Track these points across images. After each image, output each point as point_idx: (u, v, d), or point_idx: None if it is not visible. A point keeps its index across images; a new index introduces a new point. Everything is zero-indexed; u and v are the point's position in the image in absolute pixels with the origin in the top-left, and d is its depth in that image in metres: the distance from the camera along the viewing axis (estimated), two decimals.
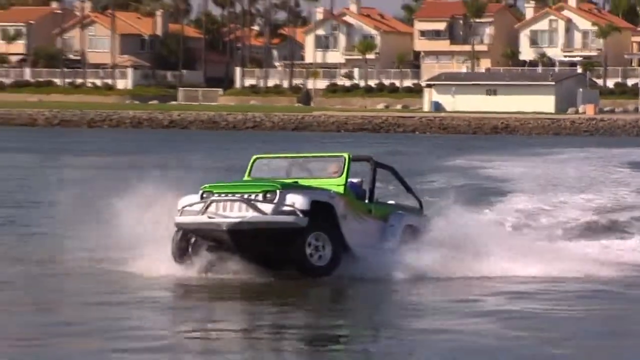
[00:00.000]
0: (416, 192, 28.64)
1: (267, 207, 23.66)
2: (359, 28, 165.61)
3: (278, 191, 23.83)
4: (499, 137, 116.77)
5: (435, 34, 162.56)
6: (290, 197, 23.73)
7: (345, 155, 25.73)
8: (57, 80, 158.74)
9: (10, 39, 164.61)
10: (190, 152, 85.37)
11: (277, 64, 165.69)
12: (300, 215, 23.63)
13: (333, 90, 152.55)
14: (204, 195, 24.37)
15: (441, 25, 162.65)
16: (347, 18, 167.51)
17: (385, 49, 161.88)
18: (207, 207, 23.98)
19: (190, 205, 24.37)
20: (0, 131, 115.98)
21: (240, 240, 23.97)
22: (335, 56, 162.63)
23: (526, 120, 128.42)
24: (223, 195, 24.44)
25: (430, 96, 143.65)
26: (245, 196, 24.18)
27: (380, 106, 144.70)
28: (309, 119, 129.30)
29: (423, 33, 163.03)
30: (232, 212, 23.93)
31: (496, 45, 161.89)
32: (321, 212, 24.34)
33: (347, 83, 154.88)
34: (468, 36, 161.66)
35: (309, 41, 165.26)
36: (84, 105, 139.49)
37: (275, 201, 23.66)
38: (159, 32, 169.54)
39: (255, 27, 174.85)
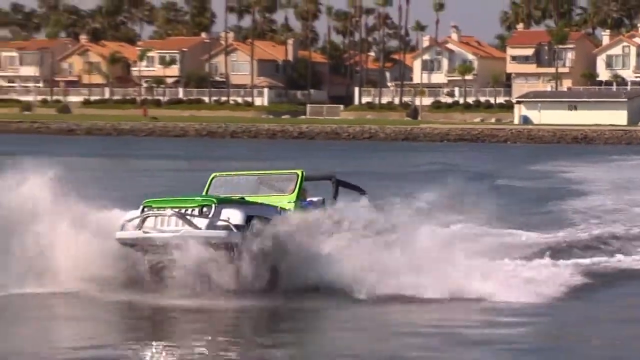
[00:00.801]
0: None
1: (202, 222, 21.23)
2: (459, 53, 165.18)
3: (214, 206, 21.30)
4: (578, 146, 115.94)
5: (525, 59, 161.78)
6: (226, 212, 21.21)
7: (299, 172, 23.22)
8: (206, 98, 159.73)
9: (167, 63, 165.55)
10: (319, 157, 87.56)
11: (389, 84, 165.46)
12: (234, 230, 21.10)
13: (437, 106, 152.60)
14: (145, 210, 21.87)
15: (529, 51, 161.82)
16: (449, 45, 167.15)
17: (481, 71, 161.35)
18: (143, 222, 21.56)
19: (130, 220, 21.90)
20: (158, 142, 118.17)
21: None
22: (439, 77, 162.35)
23: (602, 131, 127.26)
24: (161, 210, 21.77)
25: (520, 111, 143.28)
26: (183, 211, 21.52)
27: (477, 120, 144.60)
28: (416, 131, 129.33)
29: (514, 58, 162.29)
30: (168, 227, 21.39)
31: (576, 67, 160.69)
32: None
33: (449, 100, 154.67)
34: (552, 60, 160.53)
35: (417, 65, 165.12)
36: (228, 119, 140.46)
37: (210, 216, 21.21)
38: (290, 57, 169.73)
39: (371, 53, 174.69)
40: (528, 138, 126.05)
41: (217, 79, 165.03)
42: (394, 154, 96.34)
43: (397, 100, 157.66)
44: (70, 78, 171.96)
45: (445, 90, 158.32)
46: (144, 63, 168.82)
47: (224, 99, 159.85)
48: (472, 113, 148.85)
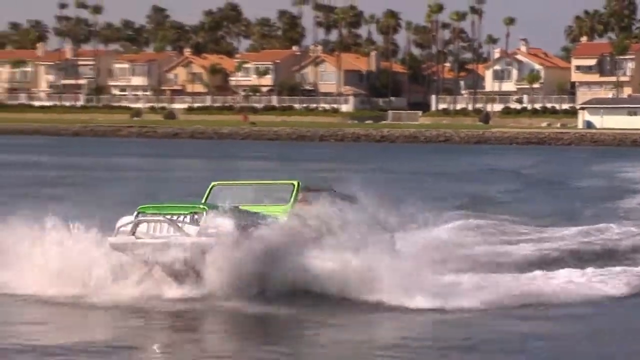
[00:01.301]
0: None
1: (193, 229, 19.78)
2: (528, 64, 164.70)
3: (204, 213, 19.86)
4: (638, 149, 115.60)
5: (588, 68, 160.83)
6: (217, 220, 19.73)
7: (295, 182, 21.60)
8: (296, 105, 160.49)
9: (261, 74, 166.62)
10: (399, 159, 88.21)
11: (463, 92, 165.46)
12: (223, 237, 19.64)
13: (507, 112, 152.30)
14: (139, 215, 20.37)
15: (592, 62, 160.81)
16: (518, 56, 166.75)
17: (548, 80, 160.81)
18: (136, 228, 20.08)
19: (125, 225, 20.43)
20: (254, 144, 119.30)
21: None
22: (508, 85, 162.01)
23: None
24: (153, 216, 20.29)
25: (583, 116, 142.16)
26: (175, 217, 20.09)
27: (544, 124, 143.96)
28: (488, 135, 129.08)
29: (578, 67, 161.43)
30: (159, 233, 19.97)
31: (636, 76, 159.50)
32: None
33: (518, 106, 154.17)
34: (614, 69, 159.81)
35: (488, 74, 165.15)
36: (316, 124, 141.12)
37: (201, 223, 19.75)
38: (373, 68, 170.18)
39: (447, 64, 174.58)
40: (591, 141, 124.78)
41: (307, 87, 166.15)
42: (464, 154, 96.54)
43: (470, 107, 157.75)
44: (175, 87, 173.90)
45: (515, 97, 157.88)
46: (241, 73, 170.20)
47: (313, 105, 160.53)
48: (539, 118, 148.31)
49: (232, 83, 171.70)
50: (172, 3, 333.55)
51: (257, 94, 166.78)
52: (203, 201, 21.71)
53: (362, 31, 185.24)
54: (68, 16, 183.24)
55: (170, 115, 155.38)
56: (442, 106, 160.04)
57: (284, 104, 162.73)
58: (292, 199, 21.48)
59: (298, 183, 21.73)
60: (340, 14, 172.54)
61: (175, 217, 20.18)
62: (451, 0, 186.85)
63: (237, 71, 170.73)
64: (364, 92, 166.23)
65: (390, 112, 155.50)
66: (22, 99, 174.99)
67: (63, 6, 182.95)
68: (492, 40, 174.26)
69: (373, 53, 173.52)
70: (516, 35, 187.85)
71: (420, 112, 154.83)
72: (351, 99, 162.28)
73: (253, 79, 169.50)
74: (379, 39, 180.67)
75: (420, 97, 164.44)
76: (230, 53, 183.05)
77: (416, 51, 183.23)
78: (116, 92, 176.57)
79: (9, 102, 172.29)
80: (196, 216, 20.09)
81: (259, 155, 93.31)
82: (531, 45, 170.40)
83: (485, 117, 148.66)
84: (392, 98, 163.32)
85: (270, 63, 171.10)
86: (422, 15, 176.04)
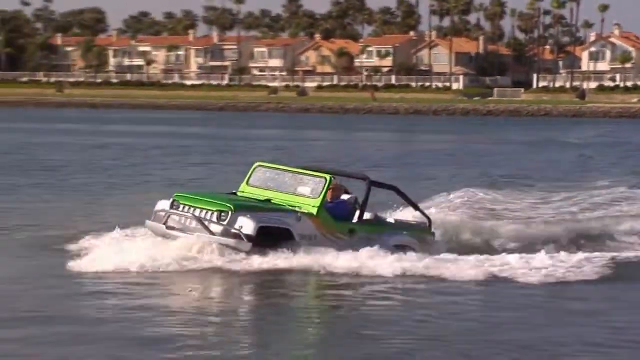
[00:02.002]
0: (423, 209, 20.99)
1: (217, 228, 18.08)
2: (620, 46, 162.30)
3: (230, 212, 18.04)
4: None
5: None
6: (240, 220, 17.93)
7: (327, 177, 18.89)
8: (413, 84, 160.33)
9: (382, 56, 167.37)
10: (506, 131, 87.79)
11: (561, 71, 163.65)
12: (245, 239, 17.91)
13: (601, 89, 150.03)
14: (173, 204, 18.84)
15: None
16: (612, 39, 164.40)
17: (639, 60, 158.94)
18: (167, 219, 18.68)
19: (161, 211, 19.10)
20: (375, 118, 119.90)
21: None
22: (602, 65, 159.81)
23: None
24: (183, 209, 18.66)
25: None
26: (203, 214, 18.33)
27: (635, 100, 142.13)
28: (584, 109, 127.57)
29: None
30: (187, 227, 18.44)
31: None
32: (278, 234, 18.34)
33: (611, 84, 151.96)
34: None
35: (585, 55, 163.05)
36: (430, 100, 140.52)
37: (225, 223, 17.98)
38: (481, 50, 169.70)
39: (547, 47, 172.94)
40: None
41: (422, 68, 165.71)
42: (562, 127, 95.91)
43: (567, 85, 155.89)
44: (306, 68, 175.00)
45: (608, 76, 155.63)
46: (364, 56, 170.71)
47: (427, 84, 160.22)
48: (630, 94, 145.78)
49: (357, 64, 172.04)
50: None
51: (378, 74, 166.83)
52: (244, 182, 19.78)
53: (472, 18, 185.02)
54: (215, 6, 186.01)
55: (302, 92, 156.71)
56: (542, 84, 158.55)
57: (402, 83, 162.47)
58: (321, 195, 18.72)
59: (330, 178, 18.90)
60: (452, 3, 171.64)
61: (203, 212, 18.26)
62: None
63: (361, 54, 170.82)
64: (473, 72, 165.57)
65: (495, 89, 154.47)
66: (176, 78, 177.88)
67: None
68: (588, 25, 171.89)
69: (481, 37, 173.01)
70: (610, 20, 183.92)
71: (522, 90, 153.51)
72: (461, 78, 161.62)
73: (375, 61, 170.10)
74: (486, 24, 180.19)
75: (523, 76, 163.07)
76: (355, 38, 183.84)
77: (520, 35, 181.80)
78: (256, 72, 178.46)
79: (164, 82, 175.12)
80: (222, 214, 18.08)
81: (382, 128, 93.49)
82: (624, 29, 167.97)
83: (582, 94, 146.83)
84: (498, 77, 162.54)
85: (390, 46, 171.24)
86: (525, 3, 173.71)
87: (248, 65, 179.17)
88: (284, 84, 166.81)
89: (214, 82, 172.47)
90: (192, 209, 18.51)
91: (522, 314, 16.00)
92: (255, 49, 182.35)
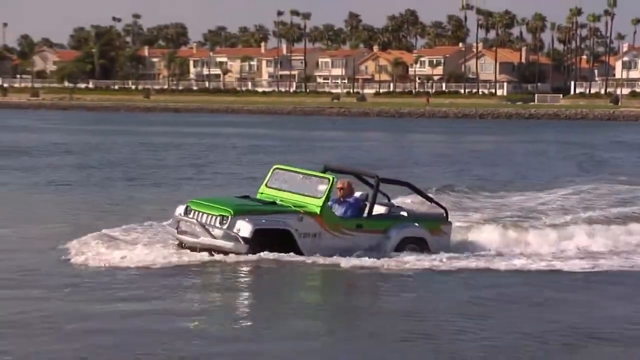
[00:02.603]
0: (439, 201, 20.19)
1: (219, 232, 17.49)
2: None
3: (230, 217, 17.41)
4: None
5: None
6: (238, 224, 17.31)
7: (330, 178, 18.10)
8: (461, 90, 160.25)
9: (434, 66, 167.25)
10: (543, 132, 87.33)
11: (597, 79, 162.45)
12: (242, 242, 17.27)
13: (633, 95, 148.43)
14: (187, 210, 18.25)
15: None
16: None
17: None
18: (178, 224, 18.26)
19: (177, 215, 18.50)
20: (427, 121, 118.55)
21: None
22: (635, 73, 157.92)
23: None
24: (193, 214, 18.01)
25: None
26: (208, 219, 17.69)
27: None
28: (617, 113, 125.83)
29: None
30: (194, 232, 17.91)
31: None
32: (278, 236, 17.56)
33: None
34: None
35: (618, 64, 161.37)
36: (477, 105, 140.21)
37: (226, 227, 17.36)
38: (523, 60, 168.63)
39: (584, 57, 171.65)
40: None
41: (470, 76, 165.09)
42: (593, 130, 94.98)
43: (602, 91, 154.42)
44: (365, 76, 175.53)
45: None
46: (418, 65, 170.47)
47: (474, 91, 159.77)
48: None
49: (411, 73, 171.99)
50: (364, 10, 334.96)
51: (430, 81, 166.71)
52: (263, 183, 19.01)
53: (515, 31, 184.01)
54: (284, 22, 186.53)
55: (362, 98, 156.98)
56: (579, 90, 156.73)
57: (452, 90, 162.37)
58: (325, 195, 17.89)
59: (333, 179, 18.05)
60: (497, 17, 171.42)
61: (208, 217, 17.63)
62: (588, 4, 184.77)
63: (415, 63, 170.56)
64: (516, 80, 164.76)
65: (536, 95, 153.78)
66: (249, 86, 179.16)
67: (280, 13, 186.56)
68: (621, 37, 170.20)
69: (523, 48, 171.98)
70: None
71: (561, 96, 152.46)
72: (505, 85, 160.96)
73: (427, 70, 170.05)
74: (528, 37, 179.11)
75: (562, 83, 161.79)
76: (409, 49, 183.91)
77: (558, 46, 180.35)
78: (320, 80, 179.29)
79: (239, 89, 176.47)
80: (223, 219, 17.40)
81: (435, 129, 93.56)
82: None
83: (615, 99, 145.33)
84: (538, 84, 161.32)
85: (441, 57, 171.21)
86: (564, 17, 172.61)
87: (313, 74, 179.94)
88: (345, 90, 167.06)
89: (283, 89, 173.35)
90: (199, 214, 17.85)
91: None
92: (320, 60, 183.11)
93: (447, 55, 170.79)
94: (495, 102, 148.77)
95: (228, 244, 17.42)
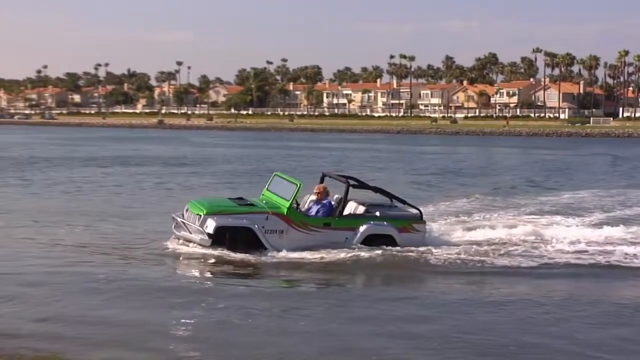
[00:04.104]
0: (410, 202, 17.32)
1: (195, 228, 15.96)
2: None
3: (202, 216, 15.90)
4: None
5: None
6: (207, 221, 15.78)
7: (298, 183, 16.25)
8: (531, 115, 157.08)
9: (510, 96, 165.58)
10: (595, 146, 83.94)
11: None
12: (206, 237, 15.71)
13: None
14: (185, 208, 16.87)
15: None
16: None
17: None
18: (175, 222, 16.74)
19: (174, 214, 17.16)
20: (505, 139, 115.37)
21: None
22: None
23: None
24: (184, 214, 16.66)
25: None
26: (193, 217, 16.18)
27: None
28: None
29: None
30: (181, 229, 16.47)
31: None
32: (239, 232, 15.76)
33: None
34: None
35: None
36: (544, 126, 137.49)
37: (198, 224, 15.88)
38: (581, 91, 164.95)
39: (630, 88, 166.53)
40: None
41: (538, 104, 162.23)
42: (609, 145, 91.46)
43: None
44: (457, 104, 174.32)
45: None
46: (498, 96, 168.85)
47: (542, 115, 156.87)
48: None
49: (492, 101, 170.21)
50: (457, 53, 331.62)
51: (507, 108, 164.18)
52: (266, 187, 17.19)
53: (574, 68, 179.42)
54: (395, 63, 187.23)
55: (454, 121, 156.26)
56: (626, 114, 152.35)
57: (524, 114, 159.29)
58: (292, 198, 16.12)
59: (300, 184, 16.28)
60: (560, 58, 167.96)
61: (193, 216, 16.16)
62: (635, 47, 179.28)
63: (495, 94, 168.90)
64: (575, 106, 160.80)
65: (591, 118, 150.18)
66: (367, 112, 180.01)
67: (392, 57, 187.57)
68: None
69: (581, 82, 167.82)
70: None
71: (611, 119, 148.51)
72: (567, 110, 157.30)
73: (505, 99, 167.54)
74: (585, 73, 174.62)
75: (612, 109, 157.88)
76: (491, 83, 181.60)
77: (610, 80, 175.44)
78: (422, 107, 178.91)
79: (360, 114, 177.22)
80: (200, 217, 15.92)
81: (510, 144, 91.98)
82: None
83: None
84: (593, 109, 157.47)
85: (515, 89, 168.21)
86: (614, 57, 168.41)
87: (417, 102, 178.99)
88: (441, 115, 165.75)
89: (393, 114, 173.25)
90: (189, 213, 16.44)
91: None
92: (422, 92, 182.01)
93: (521, 88, 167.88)
94: (559, 123, 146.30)
95: (197, 238, 15.92)
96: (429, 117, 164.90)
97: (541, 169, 48.49)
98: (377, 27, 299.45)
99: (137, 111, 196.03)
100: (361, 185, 17.17)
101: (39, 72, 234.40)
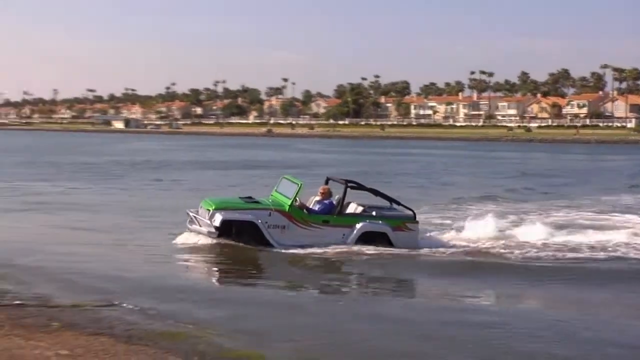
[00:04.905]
0: (404, 203, 16.54)
1: (204, 222, 15.57)
2: None
3: (212, 211, 15.50)
4: None
5: None
6: (215, 216, 15.35)
7: (299, 183, 15.79)
8: (600, 124, 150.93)
9: (580, 107, 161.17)
10: None
11: None
12: (213, 229, 15.29)
13: None
14: (200, 207, 16.32)
15: None
16: None
17: None
18: (189, 218, 16.27)
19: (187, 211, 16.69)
20: (576, 146, 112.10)
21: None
22: None
23: None
24: (198, 210, 16.24)
25: None
26: (204, 212, 15.81)
27: None
28: None
29: None
30: (193, 223, 16.02)
31: None
32: (244, 226, 15.30)
33: None
34: None
35: None
36: (612, 134, 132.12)
37: (208, 218, 15.47)
38: None
39: None
40: None
41: (607, 114, 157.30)
42: None
43: None
44: (531, 115, 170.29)
45: None
46: (569, 107, 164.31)
47: (610, 124, 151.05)
48: None
49: (564, 112, 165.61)
50: (531, 69, 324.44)
51: (578, 118, 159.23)
52: (275, 188, 16.65)
53: None
54: (475, 78, 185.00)
55: (528, 130, 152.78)
56: None
57: (593, 123, 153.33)
58: (293, 196, 15.68)
59: (301, 184, 15.82)
60: (627, 73, 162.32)
61: (205, 211, 15.76)
62: None
63: (567, 106, 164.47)
64: None
65: None
66: (450, 122, 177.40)
67: (472, 73, 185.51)
68: None
69: None
70: None
71: None
72: (633, 120, 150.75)
73: (575, 110, 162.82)
74: None
75: None
76: (563, 96, 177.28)
77: None
78: (499, 118, 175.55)
79: (444, 123, 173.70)
80: (210, 212, 15.53)
81: (580, 152, 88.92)
82: None
83: None
84: None
85: (585, 101, 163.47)
86: None
87: (494, 113, 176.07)
88: (516, 124, 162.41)
89: (473, 124, 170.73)
90: (202, 209, 15.99)
91: None
92: (499, 104, 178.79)
93: (590, 100, 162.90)
94: (625, 132, 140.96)
95: (205, 230, 15.51)
96: (506, 126, 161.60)
97: (609, 171, 47.56)
98: (458, 47, 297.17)
99: (249, 121, 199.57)
100: (360, 187, 16.55)
101: (167, 88, 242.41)
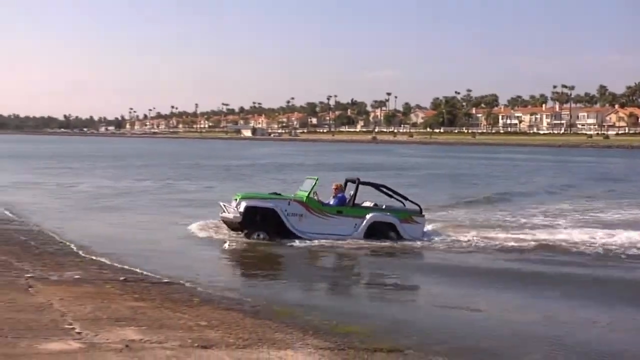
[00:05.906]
0: (411, 199, 16.03)
1: (232, 210, 15.30)
2: None
3: (238, 199, 15.30)
4: None
5: None
6: (241, 203, 15.13)
7: (316, 178, 15.72)
8: None
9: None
10: None
11: None
12: (239, 215, 15.02)
13: None
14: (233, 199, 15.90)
15: None
16: None
17: None
18: (222, 208, 15.83)
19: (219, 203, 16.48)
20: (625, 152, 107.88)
21: (228, 225, 15.62)
22: None
23: None
24: (231, 201, 15.85)
25: None
26: (235, 202, 15.50)
27: None
28: None
29: None
30: (223, 212, 15.61)
31: None
32: (266, 213, 15.06)
33: None
34: None
35: None
36: None
37: (236, 206, 15.23)
38: None
39: None
40: None
41: None
42: None
43: None
44: (609, 124, 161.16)
45: None
46: None
47: None
48: None
49: None
50: (610, 82, 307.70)
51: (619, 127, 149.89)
52: (300, 188, 16.26)
53: None
54: (557, 91, 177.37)
55: (606, 137, 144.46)
56: None
57: None
58: (311, 189, 15.50)
59: (317, 179, 15.72)
60: None
61: (235, 202, 15.48)
62: None
63: None
64: None
65: None
66: (534, 130, 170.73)
67: (555, 87, 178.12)
68: None
69: None
70: None
71: None
72: None
73: None
74: None
75: None
76: (639, 106, 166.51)
77: None
78: (579, 126, 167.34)
79: (529, 132, 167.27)
80: (238, 201, 15.31)
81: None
82: None
83: None
84: None
85: None
86: None
87: (575, 122, 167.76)
88: (595, 132, 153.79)
89: (556, 132, 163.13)
90: (234, 200, 15.64)
91: None
92: (580, 114, 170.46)
93: None
94: None
95: (231, 216, 15.26)
96: (585, 134, 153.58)
97: None
98: (543, 62, 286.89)
99: (357, 130, 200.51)
100: (370, 184, 16.17)
101: (288, 102, 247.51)
